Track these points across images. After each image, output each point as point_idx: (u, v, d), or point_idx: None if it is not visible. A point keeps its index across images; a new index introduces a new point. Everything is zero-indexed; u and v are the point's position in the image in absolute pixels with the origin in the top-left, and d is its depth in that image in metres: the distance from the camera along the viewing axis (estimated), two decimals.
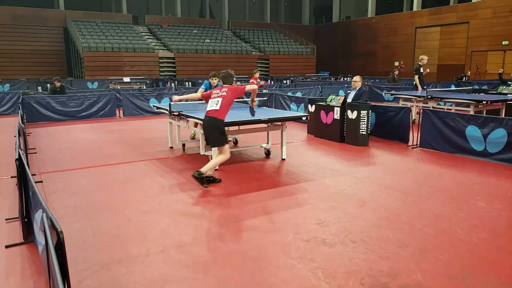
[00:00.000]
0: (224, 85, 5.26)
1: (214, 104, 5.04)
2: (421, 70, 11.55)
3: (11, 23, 25.23)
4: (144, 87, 17.88)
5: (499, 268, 3.11)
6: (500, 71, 16.95)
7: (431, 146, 7.31)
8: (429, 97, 9.88)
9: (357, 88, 8.54)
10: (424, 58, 11.36)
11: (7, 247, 3.53)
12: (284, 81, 22.52)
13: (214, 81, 7.75)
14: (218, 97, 5.10)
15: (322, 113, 8.59)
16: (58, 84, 12.78)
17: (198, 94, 5.45)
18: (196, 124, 7.09)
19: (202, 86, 8.00)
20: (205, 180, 5.01)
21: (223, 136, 5.10)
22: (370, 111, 7.75)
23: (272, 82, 22.82)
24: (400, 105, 10.14)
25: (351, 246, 3.49)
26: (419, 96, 10.27)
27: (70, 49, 26.73)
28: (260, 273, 3.06)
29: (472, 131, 6.66)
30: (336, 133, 8.18)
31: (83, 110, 11.98)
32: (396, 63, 27.64)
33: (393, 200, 4.68)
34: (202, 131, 5.19)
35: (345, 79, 24.14)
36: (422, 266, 3.13)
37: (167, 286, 2.91)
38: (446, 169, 6.05)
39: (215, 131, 5.03)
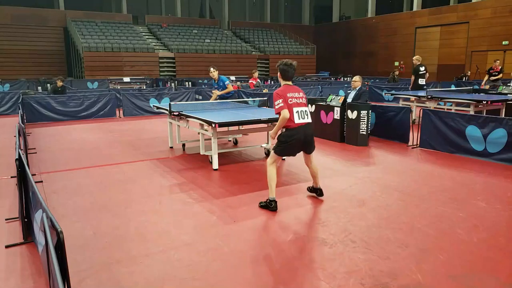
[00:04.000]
0: (292, 84, 4.43)
1: (305, 116, 4.29)
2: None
3: (11, 23, 25.23)
4: (144, 87, 17.88)
5: (499, 268, 3.11)
6: None
7: (431, 146, 7.31)
8: (429, 97, 9.88)
9: (357, 88, 8.54)
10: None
11: (7, 247, 3.53)
12: None
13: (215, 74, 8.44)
14: (303, 105, 4.33)
15: (322, 113, 8.59)
16: (60, 83, 12.81)
17: (286, 115, 4.16)
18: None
19: (228, 82, 8.59)
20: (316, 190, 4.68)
21: None
22: (370, 111, 7.75)
23: (272, 82, 22.81)
24: (400, 105, 10.14)
25: (351, 246, 3.49)
26: (419, 96, 10.27)
27: (70, 49, 26.74)
28: (260, 273, 3.06)
29: (472, 131, 6.66)
30: (336, 133, 8.18)
31: (83, 110, 11.98)
32: (396, 63, 27.64)
33: (393, 200, 4.68)
34: (294, 141, 4.27)
35: (345, 79, 24.13)
36: (422, 266, 3.13)
37: (167, 286, 2.91)
38: (446, 169, 6.05)
39: (313, 136, 4.51)
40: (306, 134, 4.29)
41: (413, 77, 11.95)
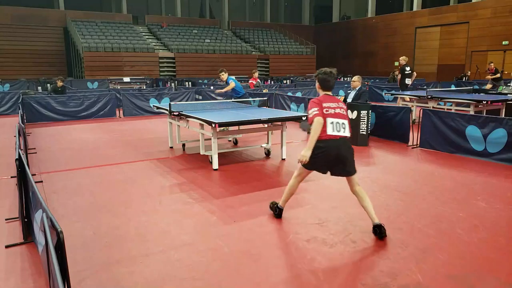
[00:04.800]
0: (329, 93, 3.82)
1: (341, 128, 3.69)
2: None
3: (11, 23, 25.24)
4: (144, 87, 17.88)
5: (499, 268, 3.11)
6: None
7: (431, 146, 7.31)
8: (429, 97, 9.88)
9: (357, 88, 8.54)
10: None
11: (7, 247, 3.53)
12: (284, 81, 22.53)
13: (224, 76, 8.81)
14: (342, 116, 3.73)
15: None
16: (60, 83, 12.82)
17: (320, 121, 3.61)
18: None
19: (230, 80, 8.82)
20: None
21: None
22: (370, 111, 7.75)
23: (272, 82, 22.82)
24: (400, 105, 10.14)
25: (351, 246, 3.49)
26: (419, 96, 10.28)
27: (70, 49, 26.74)
28: (260, 273, 3.06)
29: (472, 131, 6.66)
30: None
31: (83, 110, 11.99)
32: (396, 63, 27.61)
33: (393, 200, 4.68)
34: (323, 155, 3.66)
35: (345, 79, 24.15)
36: (422, 266, 3.13)
37: (167, 286, 2.91)
38: (446, 169, 6.05)
39: (352, 154, 3.76)
40: (339, 149, 3.65)
41: (399, 76, 12.46)
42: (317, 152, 3.64)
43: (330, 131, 3.64)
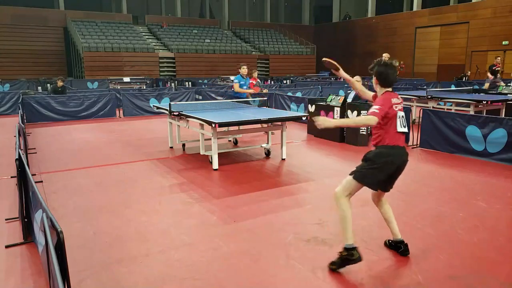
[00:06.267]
0: (390, 90, 3.15)
1: (405, 123, 3.12)
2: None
3: (11, 23, 25.24)
4: (144, 87, 17.88)
5: (499, 268, 3.11)
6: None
7: (431, 146, 7.31)
8: (429, 97, 9.88)
9: None
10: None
11: (7, 247, 3.53)
12: (284, 81, 22.52)
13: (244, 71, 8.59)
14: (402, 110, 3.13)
15: (322, 113, 8.59)
16: (60, 83, 12.82)
17: (372, 121, 3.02)
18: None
19: (235, 80, 8.62)
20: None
21: None
22: None
23: (272, 82, 22.81)
24: None
25: None
26: (419, 96, 10.28)
27: (70, 49, 26.74)
28: (260, 273, 3.06)
29: (472, 131, 6.66)
30: (336, 133, 8.18)
31: (83, 110, 11.98)
32: (396, 63, 27.64)
33: (393, 200, 4.66)
34: (390, 163, 3.06)
35: None
36: (422, 266, 3.13)
37: (167, 286, 2.91)
38: (446, 169, 6.05)
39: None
40: (404, 158, 3.05)
41: None
42: (384, 159, 2.99)
43: (399, 127, 3.02)
